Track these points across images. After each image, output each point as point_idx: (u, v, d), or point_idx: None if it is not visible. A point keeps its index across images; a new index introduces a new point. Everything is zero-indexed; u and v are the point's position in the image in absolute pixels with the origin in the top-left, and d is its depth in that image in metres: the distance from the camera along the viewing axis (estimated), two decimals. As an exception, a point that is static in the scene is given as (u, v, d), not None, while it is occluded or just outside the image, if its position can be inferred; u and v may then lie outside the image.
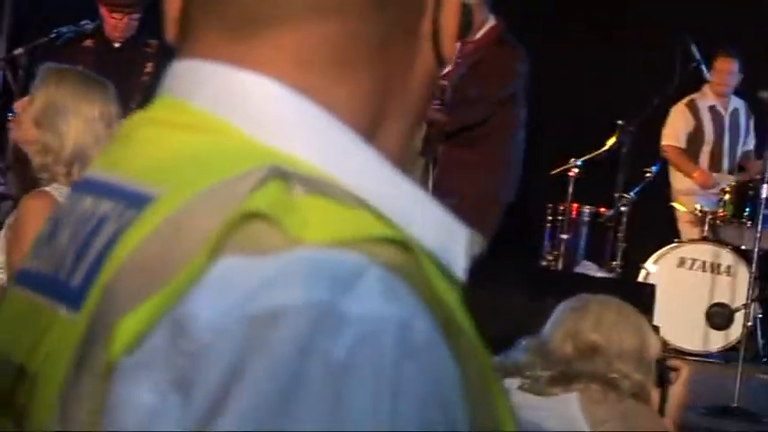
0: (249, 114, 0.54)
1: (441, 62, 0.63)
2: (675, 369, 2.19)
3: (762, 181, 4.42)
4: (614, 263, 5.53)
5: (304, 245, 0.48)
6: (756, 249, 4.22)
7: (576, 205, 5.54)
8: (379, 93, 0.59)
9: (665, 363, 2.20)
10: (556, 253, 5.50)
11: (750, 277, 4.25)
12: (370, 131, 0.58)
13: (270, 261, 0.47)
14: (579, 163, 5.41)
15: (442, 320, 0.49)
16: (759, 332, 5.38)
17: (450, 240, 0.56)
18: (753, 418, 4.01)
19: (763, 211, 4.31)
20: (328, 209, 0.50)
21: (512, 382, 1.99)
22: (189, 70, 0.57)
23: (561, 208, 5.52)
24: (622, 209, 5.52)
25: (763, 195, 4.22)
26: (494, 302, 2.67)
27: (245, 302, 0.46)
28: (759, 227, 4.24)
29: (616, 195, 5.53)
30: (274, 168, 0.50)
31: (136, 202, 0.52)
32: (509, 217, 5.76)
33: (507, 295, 3.02)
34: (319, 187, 0.50)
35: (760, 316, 5.44)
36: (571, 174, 5.40)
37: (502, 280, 3.05)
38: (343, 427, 0.45)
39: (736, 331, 4.90)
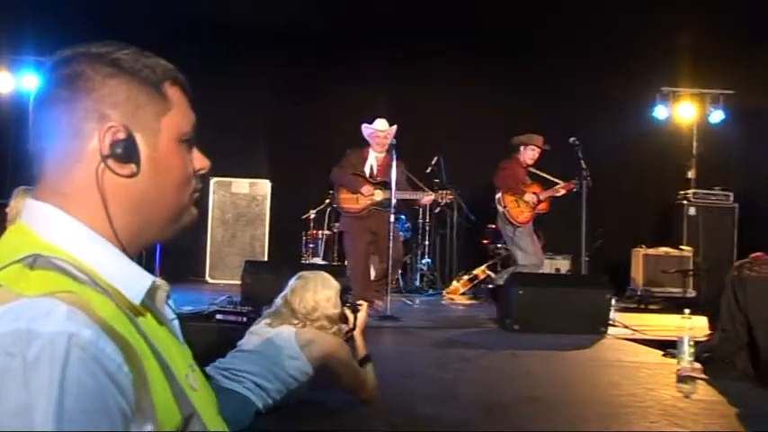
0: (39, 224, 0.78)
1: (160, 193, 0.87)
2: (360, 305, 3.31)
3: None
4: (335, 256, 8.58)
5: (23, 297, 0.67)
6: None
7: (315, 231, 8.92)
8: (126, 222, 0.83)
9: (357, 302, 3.34)
10: (308, 254, 8.88)
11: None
12: (127, 238, 0.83)
13: (2, 307, 0.68)
14: (314, 212, 8.64)
15: (109, 331, 0.68)
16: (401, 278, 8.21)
17: (138, 287, 0.80)
18: (395, 320, 6.25)
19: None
20: (47, 275, 0.70)
21: (261, 323, 3.02)
22: (27, 206, 0.82)
23: (311, 232, 8.93)
24: (335, 230, 8.44)
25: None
26: (278, 282, 3.42)
27: None
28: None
29: (334, 224, 8.55)
30: (28, 256, 0.71)
31: None
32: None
33: (285, 276, 3.44)
34: (51, 264, 0.70)
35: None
36: (311, 216, 8.82)
37: (282, 272, 3.95)
38: (30, 399, 0.63)
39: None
